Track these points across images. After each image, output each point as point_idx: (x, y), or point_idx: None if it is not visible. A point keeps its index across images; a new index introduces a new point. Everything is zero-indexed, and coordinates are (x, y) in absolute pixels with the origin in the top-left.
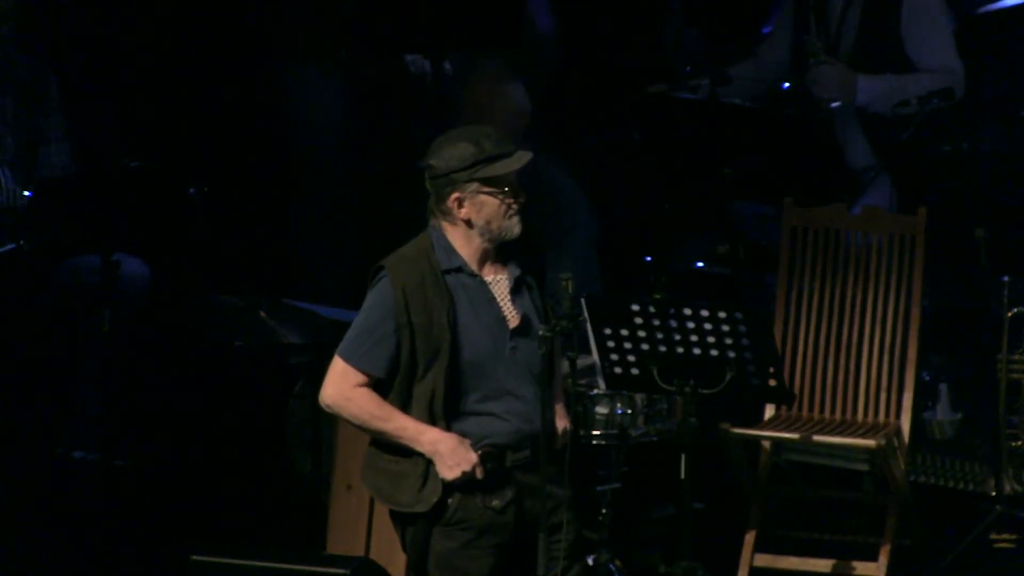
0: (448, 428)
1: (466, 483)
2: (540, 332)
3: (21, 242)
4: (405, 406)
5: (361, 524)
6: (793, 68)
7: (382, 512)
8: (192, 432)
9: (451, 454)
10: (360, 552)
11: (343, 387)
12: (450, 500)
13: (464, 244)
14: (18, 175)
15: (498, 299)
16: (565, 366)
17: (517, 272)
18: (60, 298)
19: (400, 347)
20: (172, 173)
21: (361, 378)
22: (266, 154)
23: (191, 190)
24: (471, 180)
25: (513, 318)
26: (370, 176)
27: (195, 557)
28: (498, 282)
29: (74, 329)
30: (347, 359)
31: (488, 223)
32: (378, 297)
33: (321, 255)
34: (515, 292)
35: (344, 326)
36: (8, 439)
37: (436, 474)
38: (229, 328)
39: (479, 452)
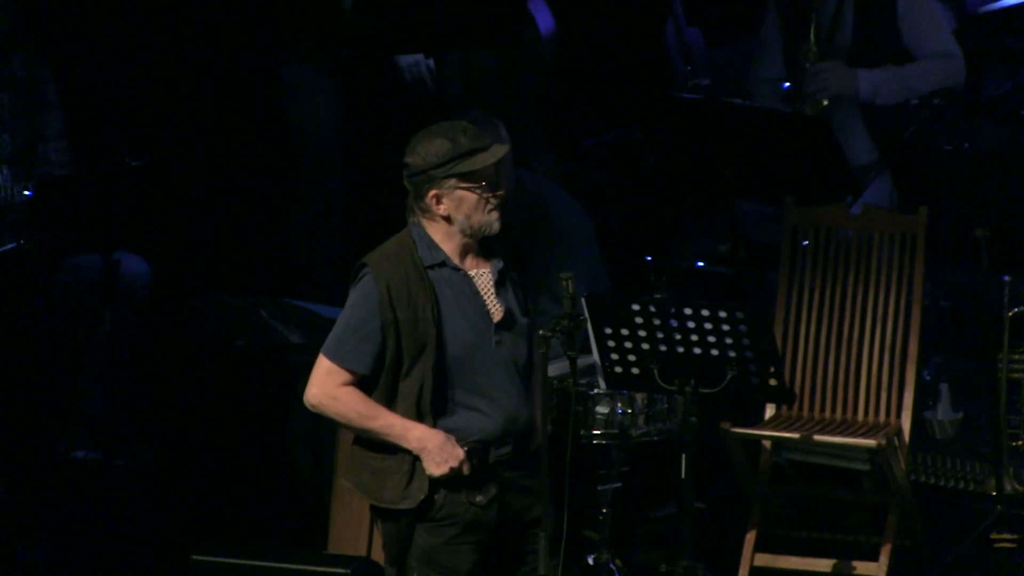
0: (434, 424)
1: (451, 479)
2: (540, 332)
3: (21, 241)
4: (391, 403)
5: (362, 524)
6: (790, 77)
7: None
8: (193, 432)
9: (439, 451)
10: (361, 552)
11: (328, 386)
12: (436, 496)
13: (445, 239)
14: (16, 173)
15: (482, 293)
16: (556, 368)
17: (500, 265)
18: (60, 298)
19: (385, 344)
20: (172, 172)
21: (347, 376)
22: (266, 153)
23: (191, 190)
24: (448, 176)
25: (497, 311)
26: (369, 175)
27: (195, 557)
28: (481, 275)
29: (74, 329)
30: (332, 358)
31: (468, 218)
32: (362, 295)
33: (321, 254)
34: (499, 285)
35: None
36: (9, 439)
37: (422, 471)
38: (229, 328)
39: (465, 448)
